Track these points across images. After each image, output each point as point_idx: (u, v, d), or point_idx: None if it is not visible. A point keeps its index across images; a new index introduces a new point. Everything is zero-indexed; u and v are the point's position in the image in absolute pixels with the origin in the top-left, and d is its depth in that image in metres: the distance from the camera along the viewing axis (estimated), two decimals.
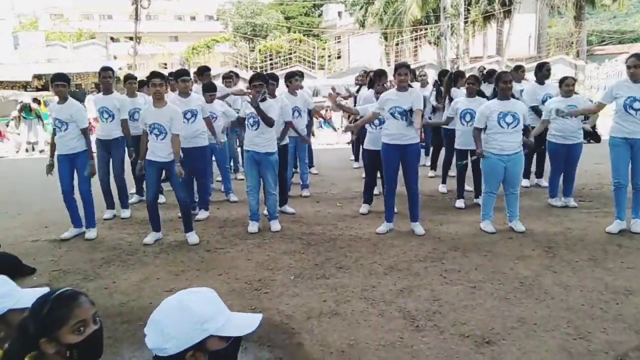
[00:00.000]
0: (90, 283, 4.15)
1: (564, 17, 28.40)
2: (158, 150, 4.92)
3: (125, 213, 6.09)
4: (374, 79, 5.95)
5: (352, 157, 9.17)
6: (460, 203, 6.17)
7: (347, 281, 4.01)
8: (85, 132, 5.18)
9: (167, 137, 4.87)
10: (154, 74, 5.10)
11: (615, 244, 4.67)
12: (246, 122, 5.32)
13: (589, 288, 3.75)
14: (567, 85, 5.88)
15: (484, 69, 7.54)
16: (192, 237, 5.08)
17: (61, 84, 5.08)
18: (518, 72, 7.54)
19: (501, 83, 5.05)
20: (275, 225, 5.42)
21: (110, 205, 6.11)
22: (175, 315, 1.29)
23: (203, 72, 7.10)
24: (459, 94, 6.67)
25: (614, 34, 34.03)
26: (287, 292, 3.85)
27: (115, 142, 5.99)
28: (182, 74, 5.83)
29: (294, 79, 6.59)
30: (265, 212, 5.62)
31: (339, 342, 3.10)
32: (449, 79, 7.14)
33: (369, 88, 6.45)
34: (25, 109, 12.99)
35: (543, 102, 6.39)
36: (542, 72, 6.80)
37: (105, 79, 5.91)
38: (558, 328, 3.19)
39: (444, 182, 7.00)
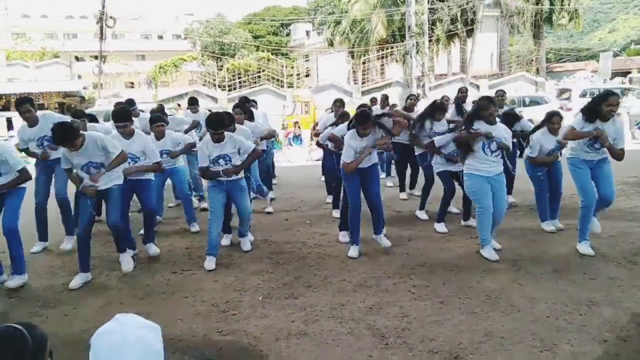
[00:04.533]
0: (50, 310, 3.99)
1: (524, 36, 29.42)
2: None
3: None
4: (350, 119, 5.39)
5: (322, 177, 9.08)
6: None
7: (315, 300, 3.97)
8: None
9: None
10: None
11: (577, 256, 4.78)
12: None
13: (553, 300, 3.82)
14: (552, 124, 5.37)
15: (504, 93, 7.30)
16: (126, 264, 4.77)
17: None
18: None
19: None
20: (246, 244, 5.33)
21: (69, 231, 5.69)
22: None
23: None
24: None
25: (571, 51, 35.46)
26: (255, 313, 3.78)
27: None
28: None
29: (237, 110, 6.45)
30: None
31: None
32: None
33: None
34: None
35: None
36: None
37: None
38: (524, 341, 3.22)
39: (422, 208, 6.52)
